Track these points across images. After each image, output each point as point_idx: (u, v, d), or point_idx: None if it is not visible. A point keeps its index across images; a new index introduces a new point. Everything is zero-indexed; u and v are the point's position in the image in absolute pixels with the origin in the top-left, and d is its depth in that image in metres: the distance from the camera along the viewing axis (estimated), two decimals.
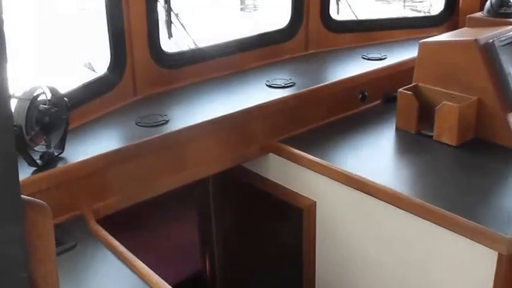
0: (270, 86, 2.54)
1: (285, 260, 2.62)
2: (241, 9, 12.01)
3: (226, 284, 2.97)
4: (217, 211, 2.83)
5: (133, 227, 2.40)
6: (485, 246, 1.79)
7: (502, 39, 2.41)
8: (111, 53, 2.33)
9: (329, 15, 3.04)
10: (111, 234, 1.86)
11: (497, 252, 1.77)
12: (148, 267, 1.71)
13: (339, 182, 2.20)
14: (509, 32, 2.48)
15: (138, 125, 2.17)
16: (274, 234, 2.62)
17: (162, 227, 2.68)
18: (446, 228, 1.89)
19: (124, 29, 2.30)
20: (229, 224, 2.84)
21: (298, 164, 2.34)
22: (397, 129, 2.51)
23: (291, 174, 2.39)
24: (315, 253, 2.39)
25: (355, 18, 4.67)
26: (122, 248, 1.79)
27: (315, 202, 2.32)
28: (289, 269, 2.58)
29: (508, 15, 2.66)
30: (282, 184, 2.43)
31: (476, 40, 2.35)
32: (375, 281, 2.20)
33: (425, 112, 2.42)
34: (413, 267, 2.05)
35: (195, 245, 2.91)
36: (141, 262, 1.72)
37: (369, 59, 2.90)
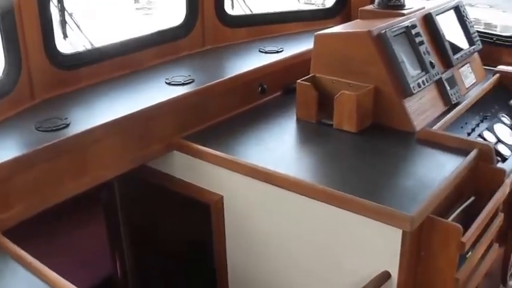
0: (169, 84, 2.53)
1: (196, 256, 2.63)
2: (137, 9, 11.83)
3: (139, 285, 2.93)
4: (124, 213, 2.78)
5: (41, 235, 2.32)
6: (390, 225, 1.87)
7: (393, 29, 2.53)
8: (4, 56, 2.23)
9: (224, 10, 3.06)
10: (19, 245, 1.79)
11: (401, 230, 1.86)
12: (60, 274, 1.66)
13: (244, 174, 2.23)
14: (400, 23, 2.60)
15: (38, 130, 2.09)
16: (184, 232, 2.62)
17: (72, 233, 2.61)
18: (351, 211, 1.97)
19: (17, 30, 2.20)
20: (138, 225, 2.80)
21: (203, 160, 2.35)
22: (297, 119, 2.58)
23: (196, 171, 2.39)
24: (226, 247, 2.41)
25: (250, 13, 4.73)
26: (30, 259, 1.72)
27: (222, 196, 2.34)
28: (201, 264, 2.59)
29: (397, 7, 2.79)
30: (188, 181, 2.43)
31: (369, 31, 2.45)
32: (285, 268, 2.25)
33: (325, 102, 2.50)
34: (322, 252, 2.11)
35: (105, 249, 2.85)
36: (51, 271, 1.67)
37: (266, 52, 2.95)
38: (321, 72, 2.58)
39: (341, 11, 3.40)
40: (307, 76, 2.58)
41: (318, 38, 2.61)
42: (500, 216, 2.28)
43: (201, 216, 2.41)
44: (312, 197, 2.06)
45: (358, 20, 2.81)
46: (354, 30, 2.56)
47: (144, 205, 2.73)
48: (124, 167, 2.30)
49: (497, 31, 8.22)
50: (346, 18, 3.23)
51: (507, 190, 2.28)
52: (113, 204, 2.75)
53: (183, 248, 2.67)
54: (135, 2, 12.14)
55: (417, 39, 2.63)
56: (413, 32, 2.63)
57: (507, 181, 2.27)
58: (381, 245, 1.94)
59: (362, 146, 2.37)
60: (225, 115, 2.60)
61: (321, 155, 2.32)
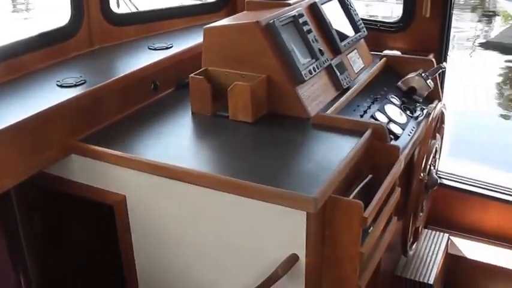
0: (61, 86, 2.44)
1: (104, 259, 2.55)
2: (14, 11, 11.35)
3: None
4: (24, 224, 2.65)
5: None
6: (294, 208, 1.90)
7: (281, 19, 2.57)
8: None
9: (110, 9, 2.99)
10: None
11: (305, 212, 1.89)
12: None
13: (145, 172, 2.19)
14: (287, 13, 2.65)
15: None
16: (90, 236, 2.54)
17: None
18: (255, 199, 1.98)
19: None
20: (41, 235, 2.68)
21: (102, 161, 2.28)
22: (193, 113, 2.56)
23: (96, 172, 2.32)
24: (132, 247, 2.36)
25: (136, 10, 4.65)
26: None
27: (125, 196, 2.28)
28: (110, 267, 2.52)
29: None
30: (89, 184, 2.35)
31: (257, 22, 2.48)
32: (195, 262, 2.24)
33: (219, 94, 2.50)
34: (230, 243, 2.12)
35: (7, 264, 2.70)
36: None
37: (155, 49, 2.92)
38: (213, 65, 2.58)
39: (228, 4, 3.42)
40: (200, 70, 2.57)
41: (207, 31, 2.61)
42: (397, 191, 2.38)
43: (106, 218, 2.35)
44: (215, 188, 2.05)
45: (245, 11, 2.83)
46: (242, 21, 2.57)
47: (45, 213, 2.62)
48: (20, 176, 2.19)
49: None
50: (233, 11, 3.25)
51: (402, 166, 2.38)
52: (11, 217, 2.62)
53: (89, 253, 2.59)
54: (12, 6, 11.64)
55: (305, 28, 2.69)
56: (301, 21, 2.69)
57: (401, 157, 2.37)
58: (287, 229, 1.97)
59: (259, 135, 2.40)
60: (120, 114, 2.54)
61: (220, 146, 2.32)
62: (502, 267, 3.67)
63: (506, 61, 13.01)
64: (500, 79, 12.63)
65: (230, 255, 2.13)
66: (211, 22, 2.68)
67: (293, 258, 1.95)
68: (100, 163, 2.28)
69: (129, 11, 4.41)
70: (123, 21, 3.08)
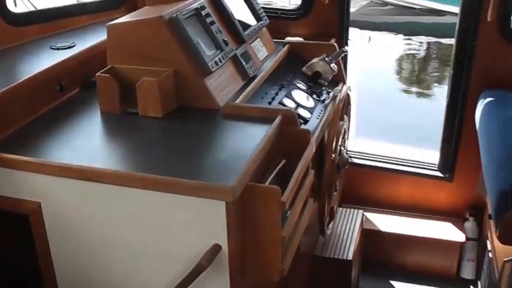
0: None
1: (22, 272, 2.46)
2: None
3: None
4: None
5: None
6: (213, 199, 1.92)
7: (184, 12, 2.56)
8: None
9: (7, 9, 2.88)
10: None
11: (224, 202, 1.91)
12: None
13: (57, 176, 2.13)
14: (189, 6, 2.65)
15: None
16: (6, 249, 2.44)
17: None
18: (173, 193, 1.97)
19: None
20: None
21: (12, 169, 2.20)
22: (102, 113, 2.52)
23: (8, 181, 2.23)
24: (51, 255, 2.29)
25: (35, 9, 4.50)
26: None
27: (40, 204, 2.22)
28: (29, 279, 2.44)
29: None
30: (1, 194, 2.26)
31: (161, 16, 2.47)
32: (118, 263, 2.20)
33: (127, 92, 2.47)
34: (153, 240, 2.10)
35: None
36: None
37: (58, 49, 2.84)
38: (119, 62, 2.54)
39: (125, 1, 3.37)
40: (106, 68, 2.53)
41: (110, 28, 2.57)
42: (311, 173, 2.44)
43: (21, 228, 2.26)
44: (131, 186, 2.03)
45: (147, 7, 2.81)
46: (145, 17, 2.55)
47: None
48: None
49: None
50: (133, 7, 3.21)
51: (313, 149, 2.44)
52: None
53: (7, 266, 2.49)
54: None
55: (208, 20, 2.70)
56: (203, 13, 2.69)
57: (312, 140, 2.43)
58: (208, 220, 1.98)
59: (171, 129, 2.39)
60: (27, 119, 2.45)
61: (132, 144, 2.30)
62: (415, 236, 3.86)
63: None
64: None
65: (154, 253, 2.12)
66: (113, 19, 2.64)
67: (216, 248, 1.96)
68: (10, 171, 2.20)
69: (28, 10, 4.27)
70: (22, 21, 2.97)
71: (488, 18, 3.34)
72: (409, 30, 14.94)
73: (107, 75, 2.47)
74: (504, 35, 3.43)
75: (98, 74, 2.49)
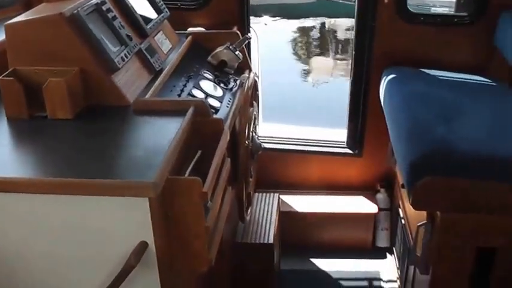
0: None
1: None
2: None
3: None
4: None
5: None
6: (135, 197, 1.89)
7: (85, 8, 2.50)
8: None
9: None
10: None
11: (147, 198, 1.90)
12: None
13: None
14: (89, 1, 2.58)
15: None
16: None
17: None
18: (94, 195, 1.93)
19: None
20: None
21: None
22: (8, 119, 2.41)
23: None
24: None
25: None
26: None
27: None
28: None
29: None
30: None
31: (61, 13, 2.39)
32: (43, 278, 2.12)
33: (34, 94, 2.38)
34: (77, 246, 2.02)
35: None
36: None
37: None
38: (21, 64, 2.44)
39: None
40: (8, 71, 2.43)
41: (8, 28, 2.46)
42: (228, 162, 2.46)
43: None
44: (45, 193, 1.96)
45: (45, 3, 2.71)
46: (45, 14, 2.46)
47: None
48: None
49: None
50: (27, 5, 3.09)
51: (228, 137, 2.46)
52: None
53: None
54: None
55: (109, 15, 2.65)
56: (104, 8, 2.64)
57: (226, 129, 2.45)
58: (132, 219, 1.95)
59: (82, 130, 2.34)
60: None
61: (43, 148, 2.22)
62: (329, 213, 3.98)
63: None
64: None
65: (81, 260, 2.05)
66: (8, 18, 2.54)
67: (143, 246, 1.94)
68: None
69: None
70: None
71: (385, 0, 3.47)
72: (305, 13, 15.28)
73: (9, 78, 2.37)
74: (401, 16, 3.58)
75: None
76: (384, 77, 3.49)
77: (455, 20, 3.70)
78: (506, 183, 2.55)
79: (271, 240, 3.30)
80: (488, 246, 2.72)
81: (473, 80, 3.51)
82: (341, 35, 14.55)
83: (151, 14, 3.11)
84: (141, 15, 2.94)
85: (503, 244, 2.70)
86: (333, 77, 11.60)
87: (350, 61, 3.88)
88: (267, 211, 3.57)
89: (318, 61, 13.07)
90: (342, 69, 11.92)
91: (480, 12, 3.58)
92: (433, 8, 13.06)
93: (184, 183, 1.99)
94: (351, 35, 3.74)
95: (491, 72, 3.59)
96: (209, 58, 3.10)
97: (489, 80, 3.52)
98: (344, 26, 14.62)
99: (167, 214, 2.02)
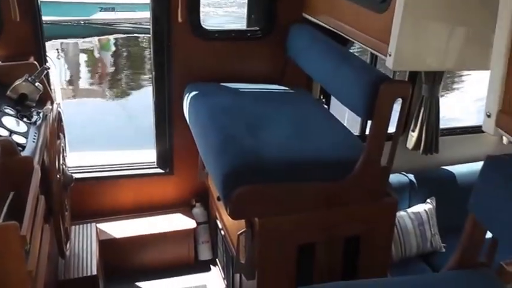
0: None
1: None
2: None
3: None
4: None
5: None
6: None
7: None
8: None
9: None
10: None
11: None
12: None
13: None
14: None
15: None
16: None
17: None
18: None
19: None
20: None
21: None
22: None
23: None
24: None
25: None
26: None
27: None
28: None
29: None
30: None
31: None
32: None
33: None
34: None
35: None
36: None
37: None
38: None
39: None
40: None
41: None
42: (42, 199, 2.37)
43: None
44: None
45: None
46: None
47: None
48: None
49: None
50: None
51: (39, 174, 2.36)
52: None
53: None
54: None
55: None
56: None
57: (36, 165, 2.35)
58: None
59: None
60: None
61: None
62: (149, 234, 3.97)
63: None
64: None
65: None
66: None
67: None
68: None
69: None
70: None
71: (179, 20, 3.55)
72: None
73: None
74: (196, 34, 3.68)
75: None
76: (187, 94, 3.57)
77: (249, 34, 3.89)
78: (314, 182, 2.76)
79: (94, 272, 3.23)
80: (307, 243, 2.90)
81: (272, 89, 3.72)
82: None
83: None
84: None
85: (321, 239, 2.90)
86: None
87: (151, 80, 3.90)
88: (86, 242, 3.48)
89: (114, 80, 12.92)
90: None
91: (270, 27, 3.81)
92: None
93: (0, 229, 1.88)
94: None
95: (288, 81, 3.84)
96: (8, 92, 2.94)
97: (287, 88, 3.75)
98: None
99: None
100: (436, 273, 3.14)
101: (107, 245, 3.81)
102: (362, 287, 2.44)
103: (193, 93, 3.51)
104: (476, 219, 2.54)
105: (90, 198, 3.97)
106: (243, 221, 2.87)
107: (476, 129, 4.99)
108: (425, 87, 4.44)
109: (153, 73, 3.80)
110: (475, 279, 2.51)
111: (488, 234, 2.63)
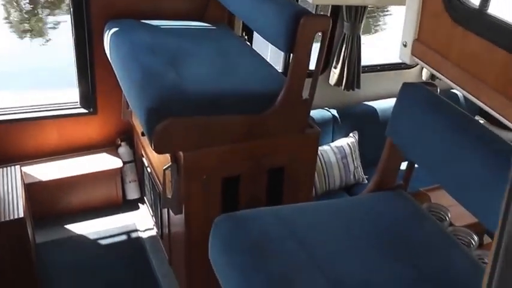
0: None
1: None
2: None
3: None
4: None
5: None
6: None
7: None
8: None
9: None
10: None
11: None
12: None
13: None
14: None
15: None
16: None
17: None
18: None
19: None
20: None
21: None
22: None
23: None
24: None
25: None
26: None
27: None
28: None
29: None
30: None
31: None
32: None
33: None
34: None
35: None
36: None
37: None
38: None
39: None
40: None
41: None
42: None
43: None
44: None
45: None
46: None
47: None
48: None
49: None
50: None
51: None
52: None
53: None
54: None
55: None
56: None
57: None
58: None
59: None
60: None
61: None
62: (75, 176, 3.94)
63: None
64: None
65: None
66: None
67: None
68: None
69: None
70: None
71: None
72: None
73: None
74: None
75: None
76: (107, 31, 3.50)
77: None
78: (238, 115, 2.80)
79: (21, 215, 3.18)
80: (232, 175, 2.96)
81: (194, 26, 3.70)
82: None
83: None
84: None
85: (245, 171, 2.96)
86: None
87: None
88: (12, 186, 3.41)
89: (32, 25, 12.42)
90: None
91: None
92: None
93: None
94: None
95: (209, 17, 3.82)
96: None
97: (208, 25, 3.74)
98: None
99: None
100: (355, 196, 3.27)
101: (33, 188, 3.77)
102: (284, 210, 2.52)
103: (114, 30, 3.44)
104: (394, 144, 2.65)
105: (14, 140, 3.89)
106: (168, 157, 2.89)
107: (397, 66, 5.16)
108: (346, 24, 4.53)
109: (71, 10, 3.69)
110: (391, 198, 2.64)
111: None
